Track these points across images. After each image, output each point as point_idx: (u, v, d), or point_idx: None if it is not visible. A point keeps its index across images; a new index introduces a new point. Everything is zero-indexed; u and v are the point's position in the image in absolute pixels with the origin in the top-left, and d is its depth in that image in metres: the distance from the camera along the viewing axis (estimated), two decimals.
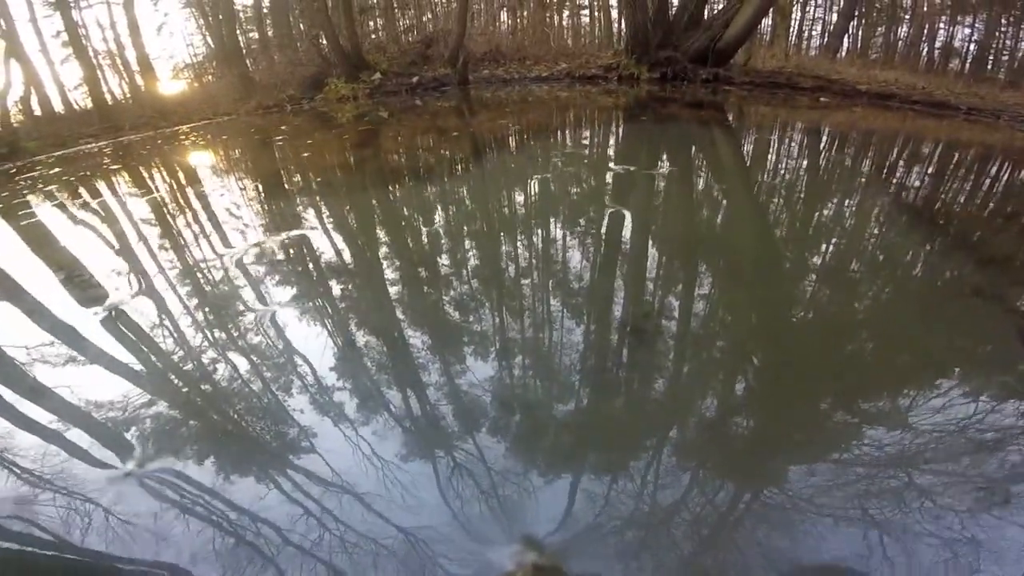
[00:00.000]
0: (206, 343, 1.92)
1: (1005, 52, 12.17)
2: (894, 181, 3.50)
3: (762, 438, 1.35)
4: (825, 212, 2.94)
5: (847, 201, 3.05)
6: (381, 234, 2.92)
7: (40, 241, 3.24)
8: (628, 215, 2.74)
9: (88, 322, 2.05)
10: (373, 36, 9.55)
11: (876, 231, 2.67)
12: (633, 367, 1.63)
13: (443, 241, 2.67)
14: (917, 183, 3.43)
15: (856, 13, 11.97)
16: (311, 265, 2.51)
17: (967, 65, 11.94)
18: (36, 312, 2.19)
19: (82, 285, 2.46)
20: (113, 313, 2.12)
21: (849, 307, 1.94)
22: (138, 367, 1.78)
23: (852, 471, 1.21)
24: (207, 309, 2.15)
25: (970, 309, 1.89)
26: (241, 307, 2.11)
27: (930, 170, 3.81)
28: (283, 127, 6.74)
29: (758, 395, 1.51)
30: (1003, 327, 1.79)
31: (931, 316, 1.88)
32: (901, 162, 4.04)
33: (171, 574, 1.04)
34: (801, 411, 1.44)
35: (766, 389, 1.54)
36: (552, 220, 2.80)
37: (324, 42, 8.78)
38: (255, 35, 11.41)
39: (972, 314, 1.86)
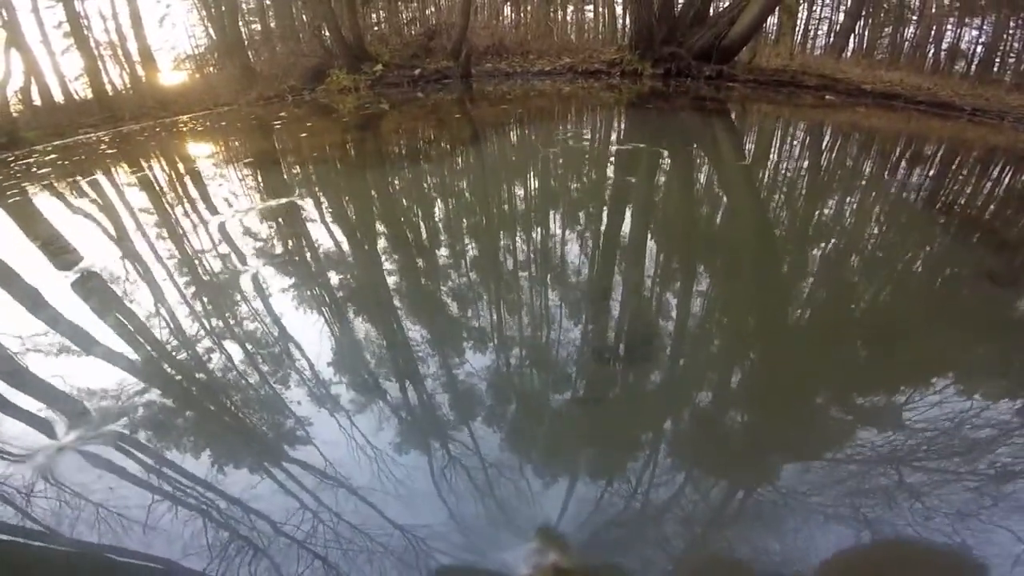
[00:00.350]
0: (183, 301, 1.95)
1: (1012, 55, 12.06)
2: (898, 175, 3.47)
3: (767, 427, 1.33)
4: (827, 205, 2.91)
5: (848, 198, 3.02)
6: (390, 202, 2.95)
7: (25, 215, 3.31)
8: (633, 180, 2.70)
9: (58, 284, 2.11)
10: (375, 28, 9.49)
11: (881, 221, 2.65)
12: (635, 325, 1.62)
13: (450, 201, 2.66)
14: (921, 178, 3.40)
15: (863, 13, 11.87)
16: (298, 230, 2.58)
17: (973, 67, 11.84)
18: (7, 277, 2.22)
19: (57, 252, 2.54)
20: (84, 275, 2.15)
21: (859, 289, 1.93)
22: (101, 328, 1.81)
23: (860, 464, 1.19)
24: (186, 268, 2.20)
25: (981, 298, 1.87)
26: (223, 267, 2.15)
27: (934, 165, 3.78)
28: (282, 113, 6.75)
29: (761, 384, 1.49)
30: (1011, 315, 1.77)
31: (940, 305, 1.86)
32: (905, 158, 4.00)
33: (162, 566, 1.02)
34: (806, 401, 1.42)
35: (768, 379, 1.52)
36: (553, 191, 2.79)
37: (326, 33, 8.73)
38: (257, 26, 11.34)
39: (982, 304, 1.84)
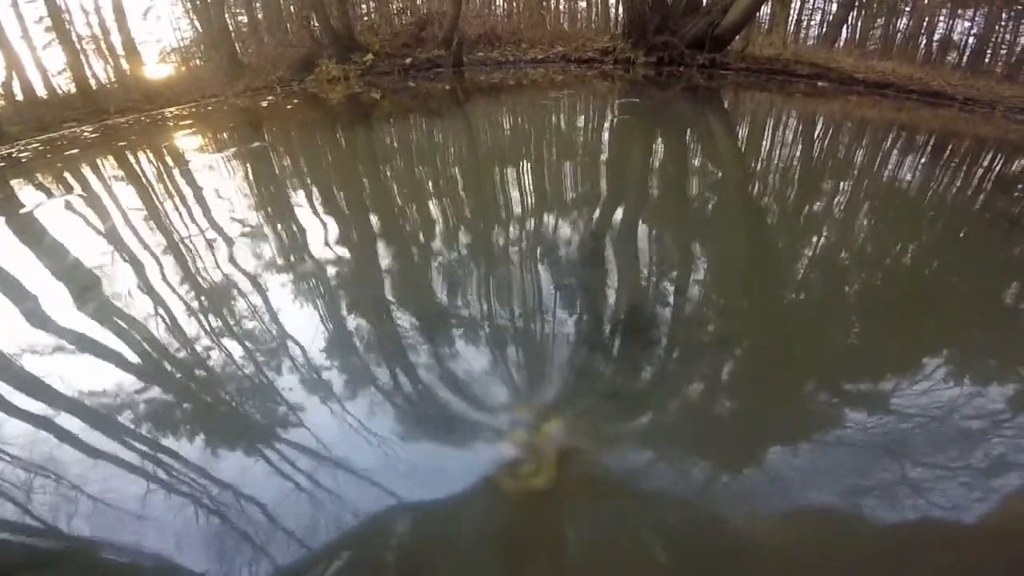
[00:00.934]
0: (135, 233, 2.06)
1: (1004, 46, 12.10)
2: (890, 162, 3.47)
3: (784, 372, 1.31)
4: (827, 185, 2.90)
5: (841, 186, 3.01)
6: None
7: None
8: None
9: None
10: (365, 17, 9.32)
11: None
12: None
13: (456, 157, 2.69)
14: (914, 167, 3.40)
15: (856, 4, 11.85)
16: (266, 170, 2.77)
17: (965, 58, 11.88)
18: None
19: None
20: (36, 210, 2.35)
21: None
22: (46, 266, 1.92)
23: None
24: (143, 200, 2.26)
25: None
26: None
27: (924, 159, 3.78)
28: (270, 97, 6.72)
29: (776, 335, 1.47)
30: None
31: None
32: (899, 143, 4.00)
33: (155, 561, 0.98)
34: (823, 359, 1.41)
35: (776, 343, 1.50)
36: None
37: (315, 23, 8.58)
38: (244, 18, 11.12)
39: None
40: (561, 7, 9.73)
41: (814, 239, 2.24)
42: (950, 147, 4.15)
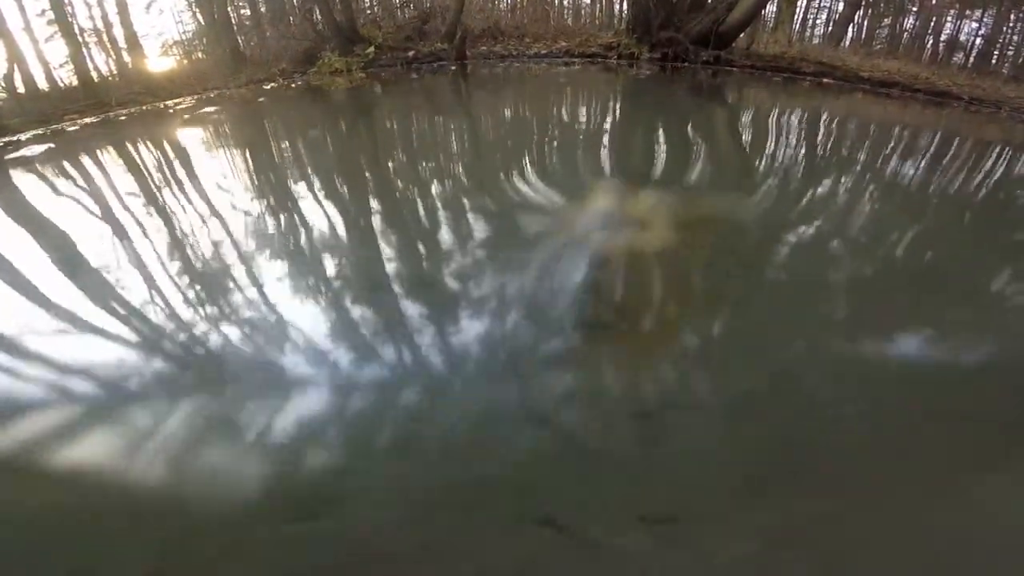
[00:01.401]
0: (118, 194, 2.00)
1: (1011, 47, 12.01)
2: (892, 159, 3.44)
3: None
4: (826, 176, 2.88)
5: (842, 180, 2.98)
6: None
7: None
8: None
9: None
10: (368, 11, 9.29)
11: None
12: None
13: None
14: (916, 164, 3.37)
15: (863, 3, 11.76)
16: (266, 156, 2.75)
17: (971, 59, 11.80)
18: None
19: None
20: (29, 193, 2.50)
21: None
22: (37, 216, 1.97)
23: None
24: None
25: None
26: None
27: (927, 157, 3.76)
28: (272, 84, 6.77)
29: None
30: None
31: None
32: (904, 141, 3.98)
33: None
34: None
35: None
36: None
37: (317, 16, 8.57)
38: (246, 11, 11.10)
39: None
40: (565, 2, 9.69)
41: (812, 232, 2.23)
42: (954, 145, 4.13)
